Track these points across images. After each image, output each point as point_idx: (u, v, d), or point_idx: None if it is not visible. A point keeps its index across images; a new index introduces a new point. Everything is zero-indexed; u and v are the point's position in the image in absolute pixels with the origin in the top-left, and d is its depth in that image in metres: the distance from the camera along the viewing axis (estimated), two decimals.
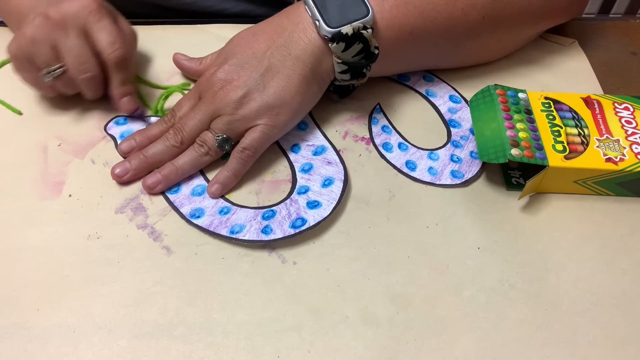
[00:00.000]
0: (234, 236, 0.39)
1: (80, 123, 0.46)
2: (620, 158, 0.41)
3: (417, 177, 0.43)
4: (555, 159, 0.40)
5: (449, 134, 0.47)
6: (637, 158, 0.41)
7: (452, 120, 0.48)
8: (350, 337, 0.35)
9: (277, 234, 0.39)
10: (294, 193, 0.42)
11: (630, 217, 0.42)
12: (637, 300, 0.37)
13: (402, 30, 0.44)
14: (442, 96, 0.50)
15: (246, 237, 0.39)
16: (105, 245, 0.39)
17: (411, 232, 0.40)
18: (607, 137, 0.42)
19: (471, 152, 0.45)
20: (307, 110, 0.45)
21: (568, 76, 0.52)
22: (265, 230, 0.39)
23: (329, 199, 0.41)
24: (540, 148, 0.41)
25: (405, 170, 0.44)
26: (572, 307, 0.37)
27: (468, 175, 0.44)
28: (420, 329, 0.35)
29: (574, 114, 0.44)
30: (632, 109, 0.44)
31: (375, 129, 0.47)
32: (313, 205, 0.40)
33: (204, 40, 0.53)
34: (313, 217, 0.40)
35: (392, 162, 0.45)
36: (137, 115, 0.46)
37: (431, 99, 0.50)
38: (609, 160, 0.41)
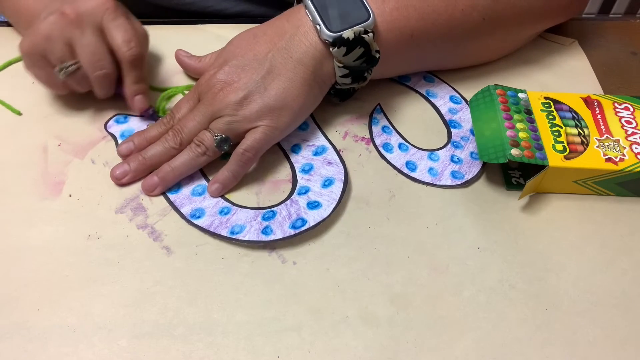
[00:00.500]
0: (234, 237, 0.39)
1: (80, 123, 0.46)
2: (620, 158, 0.41)
3: (418, 178, 0.43)
4: (555, 159, 0.40)
5: (450, 134, 0.47)
6: (637, 158, 0.41)
7: (452, 120, 0.48)
8: (350, 337, 0.35)
9: (277, 234, 0.39)
10: (295, 194, 0.42)
11: (630, 217, 0.42)
12: (637, 300, 0.37)
13: (402, 33, 0.44)
14: (442, 97, 0.50)
15: (246, 238, 0.39)
16: (105, 245, 0.39)
17: (411, 232, 0.40)
18: (607, 137, 0.42)
19: (471, 153, 0.45)
20: (308, 114, 0.45)
21: (568, 76, 0.52)
22: (266, 230, 0.39)
23: (329, 199, 0.41)
24: (540, 148, 0.41)
25: (406, 170, 0.44)
26: (572, 307, 0.37)
27: (468, 176, 0.44)
28: (420, 329, 0.35)
29: (574, 114, 0.44)
30: (632, 109, 0.44)
31: (376, 129, 0.47)
32: (313, 205, 0.40)
33: (204, 40, 0.53)
34: (313, 217, 0.40)
35: (393, 162, 0.44)
36: (148, 115, 0.46)
37: (432, 99, 0.50)
38: (609, 160, 0.41)
